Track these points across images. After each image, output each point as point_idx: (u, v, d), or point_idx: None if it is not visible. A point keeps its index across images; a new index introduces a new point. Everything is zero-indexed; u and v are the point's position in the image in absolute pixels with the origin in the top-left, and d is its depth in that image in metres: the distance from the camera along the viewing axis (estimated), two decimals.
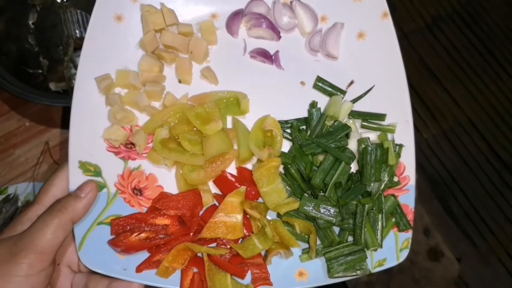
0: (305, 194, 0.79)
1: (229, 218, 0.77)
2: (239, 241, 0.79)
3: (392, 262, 0.78)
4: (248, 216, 0.80)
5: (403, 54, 0.84)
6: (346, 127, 0.80)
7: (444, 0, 2.24)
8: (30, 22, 0.99)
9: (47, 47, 1.11)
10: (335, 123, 0.82)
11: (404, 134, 0.85)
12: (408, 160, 0.84)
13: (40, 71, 1.11)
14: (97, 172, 0.81)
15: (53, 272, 0.69)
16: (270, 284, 0.76)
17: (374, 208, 0.76)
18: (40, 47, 1.05)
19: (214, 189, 0.84)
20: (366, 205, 0.76)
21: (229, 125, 0.87)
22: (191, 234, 0.77)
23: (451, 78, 2.16)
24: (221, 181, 0.81)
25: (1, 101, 1.06)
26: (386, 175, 0.77)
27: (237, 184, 0.81)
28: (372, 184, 0.77)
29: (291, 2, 0.91)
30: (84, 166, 0.81)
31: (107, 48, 0.85)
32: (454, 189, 2.06)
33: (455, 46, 2.18)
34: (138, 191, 0.82)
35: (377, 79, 0.88)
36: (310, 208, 0.76)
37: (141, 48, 0.87)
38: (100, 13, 0.85)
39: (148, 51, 0.87)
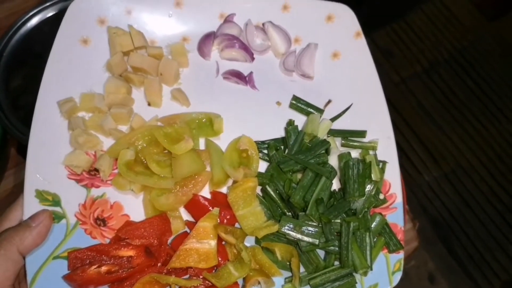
0: (285, 215, 0.72)
1: (201, 244, 0.69)
2: (213, 271, 0.70)
3: (384, 286, 0.70)
4: (223, 242, 0.72)
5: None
6: (325, 142, 0.76)
7: (440, 45, 2.30)
8: None
9: None
10: (314, 140, 0.77)
11: (387, 151, 0.81)
12: (393, 177, 0.79)
13: None
14: (56, 202, 0.74)
15: None
16: None
17: (360, 227, 0.70)
18: None
19: (186, 216, 0.76)
20: (352, 223, 0.69)
21: (202, 148, 0.81)
22: (159, 265, 0.69)
23: (449, 121, 2.18)
24: (193, 205, 0.74)
25: (16, 153, 1.07)
26: (370, 190, 0.71)
27: (211, 208, 0.74)
28: (356, 201, 0.71)
29: (263, 24, 0.89)
30: (41, 195, 0.73)
31: (71, 71, 0.82)
32: (457, 231, 2.02)
33: (452, 89, 2.21)
34: (101, 221, 0.74)
35: (355, 98, 0.86)
36: (290, 228, 0.69)
37: (107, 71, 0.84)
38: (65, 36, 0.82)
39: (115, 74, 0.83)
